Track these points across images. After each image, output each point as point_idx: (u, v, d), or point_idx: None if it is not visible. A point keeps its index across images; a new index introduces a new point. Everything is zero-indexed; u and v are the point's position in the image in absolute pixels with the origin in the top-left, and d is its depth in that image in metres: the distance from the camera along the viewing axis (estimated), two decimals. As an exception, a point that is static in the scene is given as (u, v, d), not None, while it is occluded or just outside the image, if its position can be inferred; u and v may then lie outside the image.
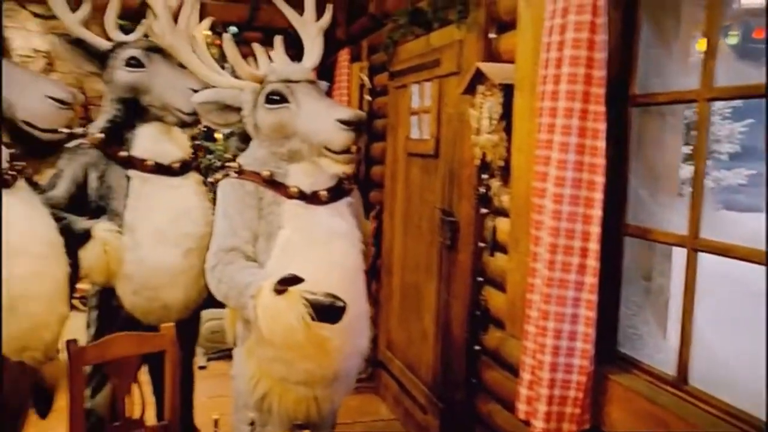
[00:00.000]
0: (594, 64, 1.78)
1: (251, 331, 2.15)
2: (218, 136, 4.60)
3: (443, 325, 3.08)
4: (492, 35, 2.65)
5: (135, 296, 2.54)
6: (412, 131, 3.52)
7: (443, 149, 3.11)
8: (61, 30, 2.72)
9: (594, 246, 1.82)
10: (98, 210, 2.55)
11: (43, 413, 2.10)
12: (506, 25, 2.54)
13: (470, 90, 2.56)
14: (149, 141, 2.62)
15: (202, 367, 4.17)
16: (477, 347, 2.71)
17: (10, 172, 1.89)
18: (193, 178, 2.74)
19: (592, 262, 1.82)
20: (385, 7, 3.94)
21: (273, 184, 2.18)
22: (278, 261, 2.10)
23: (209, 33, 3.96)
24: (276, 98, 2.15)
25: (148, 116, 2.63)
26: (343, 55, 4.44)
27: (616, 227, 1.93)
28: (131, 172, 2.57)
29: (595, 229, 1.82)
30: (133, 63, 2.59)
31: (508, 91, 2.36)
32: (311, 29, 2.34)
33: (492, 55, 2.64)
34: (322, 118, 2.09)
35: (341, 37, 4.68)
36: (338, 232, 2.20)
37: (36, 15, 4.71)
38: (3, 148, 1.92)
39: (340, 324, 1.95)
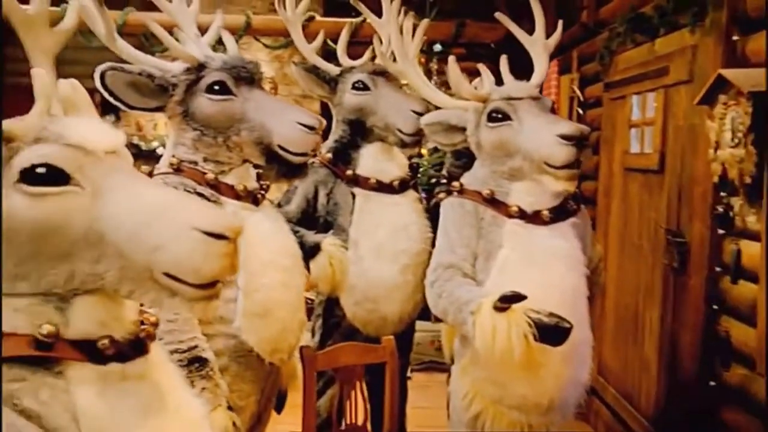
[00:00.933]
0: None
1: (467, 348, 2.15)
2: (424, 151, 4.72)
3: (668, 355, 2.83)
4: (735, 37, 2.39)
5: (356, 307, 2.67)
6: (632, 145, 3.31)
7: (669, 164, 2.87)
8: (285, 59, 2.96)
9: None
10: (326, 225, 2.72)
11: (279, 409, 2.29)
12: (755, 24, 2.27)
13: (708, 100, 2.33)
14: (372, 160, 2.74)
15: (407, 378, 4.28)
16: (712, 383, 2.45)
17: (260, 192, 2.10)
18: (410, 196, 2.80)
19: None
20: (599, 16, 3.76)
21: (493, 202, 2.17)
22: (496, 281, 2.07)
23: (415, 51, 4.10)
24: (498, 116, 2.13)
25: (372, 137, 2.75)
26: (551, 67, 4.32)
27: None
28: (356, 190, 2.70)
29: None
30: (360, 86, 2.71)
31: (758, 99, 2.11)
32: (540, 47, 2.29)
33: (735, 59, 2.38)
34: (543, 134, 2.02)
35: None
36: (558, 253, 2.11)
37: (266, 46, 5.25)
38: (252, 169, 2.15)
39: (558, 350, 1.87)
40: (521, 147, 2.09)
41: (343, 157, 2.76)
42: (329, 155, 2.76)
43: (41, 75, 1.11)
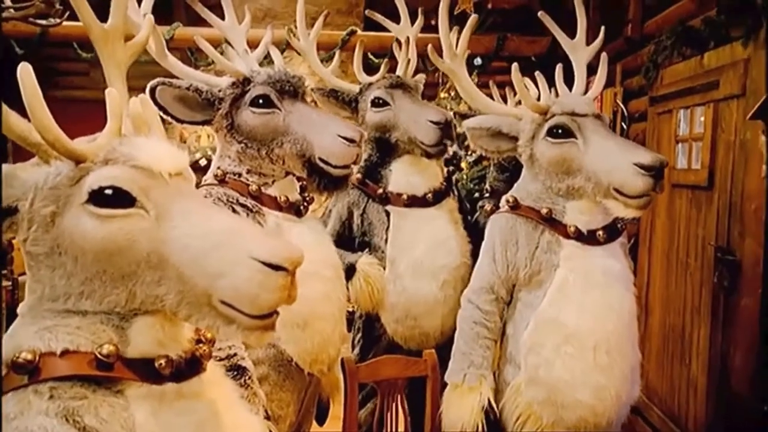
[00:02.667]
0: None
1: (519, 369, 2.10)
2: (463, 165, 4.68)
3: (718, 377, 2.73)
4: (790, 50, 2.32)
5: (397, 324, 2.63)
6: (678, 160, 3.23)
7: (719, 180, 2.80)
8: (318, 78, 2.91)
9: None
10: (363, 244, 2.69)
11: (320, 420, 2.29)
12: (811, 37, 2.21)
13: (761, 114, 2.26)
14: (402, 175, 2.67)
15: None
16: (766, 408, 2.35)
17: (303, 204, 2.11)
18: (447, 207, 2.72)
19: None
20: (644, 30, 3.70)
21: (551, 222, 2.08)
22: (553, 303, 2.02)
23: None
24: (560, 131, 2.02)
25: (399, 151, 2.68)
26: (594, 81, 4.26)
27: None
28: (389, 207, 2.65)
29: None
30: (379, 103, 2.64)
31: (814, 114, 2.04)
32: (581, 53, 2.24)
33: (790, 73, 2.31)
34: (617, 160, 1.91)
35: (590, 63, 4.50)
36: (614, 274, 2.04)
37: (306, 59, 5.31)
38: (295, 181, 2.16)
39: (618, 373, 1.85)
40: (586, 168, 1.99)
41: (373, 175, 2.71)
42: (359, 176, 2.71)
43: (114, 95, 1.11)
